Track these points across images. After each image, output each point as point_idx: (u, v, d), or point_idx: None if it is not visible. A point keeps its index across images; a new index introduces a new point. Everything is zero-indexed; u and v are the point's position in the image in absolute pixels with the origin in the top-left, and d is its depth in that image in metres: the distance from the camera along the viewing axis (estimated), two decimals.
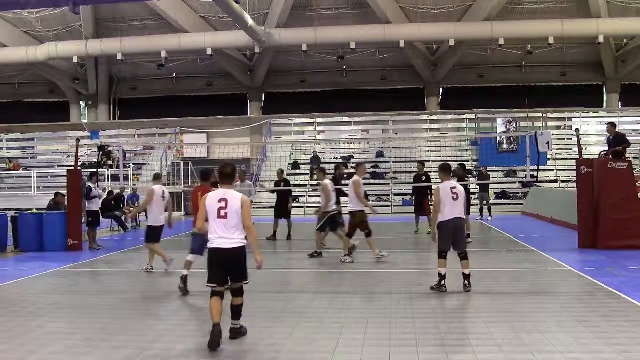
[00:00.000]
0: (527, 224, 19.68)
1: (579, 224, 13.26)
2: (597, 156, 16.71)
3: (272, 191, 17.14)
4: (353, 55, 29.28)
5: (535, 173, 14.95)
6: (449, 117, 31.78)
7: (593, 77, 31.61)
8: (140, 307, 8.33)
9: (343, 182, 14.52)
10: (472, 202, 16.43)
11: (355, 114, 31.32)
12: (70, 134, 32.55)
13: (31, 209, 17.36)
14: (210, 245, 6.20)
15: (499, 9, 27.29)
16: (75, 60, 29.19)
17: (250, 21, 24.40)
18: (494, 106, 30.36)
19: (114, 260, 12.83)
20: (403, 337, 6.39)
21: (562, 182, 26.26)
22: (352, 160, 29.68)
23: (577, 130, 15.82)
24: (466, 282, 8.57)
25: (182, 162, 28.14)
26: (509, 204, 25.53)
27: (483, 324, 6.89)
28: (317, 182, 13.70)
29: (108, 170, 25.08)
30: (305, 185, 27.95)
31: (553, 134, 21.26)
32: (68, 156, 31.02)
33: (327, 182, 12.91)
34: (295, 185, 27.92)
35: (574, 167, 15.18)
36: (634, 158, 22.66)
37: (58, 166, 30.16)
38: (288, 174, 28.49)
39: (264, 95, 33.85)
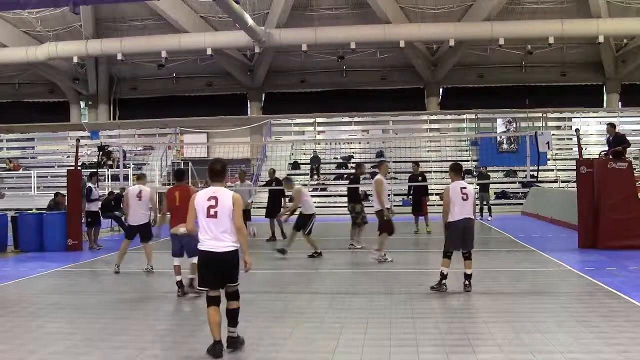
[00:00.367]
0: (527, 224, 19.68)
1: (579, 224, 13.27)
2: (597, 156, 16.72)
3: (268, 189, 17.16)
4: (353, 55, 29.28)
5: (535, 173, 14.95)
6: (449, 117, 31.79)
7: (593, 77, 31.61)
8: (140, 307, 8.33)
9: (363, 181, 14.49)
10: None
11: (355, 114, 31.32)
12: (70, 134, 32.55)
13: (31, 209, 17.36)
14: (200, 246, 5.88)
15: (499, 9, 27.28)
16: (75, 60, 29.19)
17: (250, 21, 24.40)
18: (494, 106, 30.37)
19: (114, 260, 12.80)
20: (403, 337, 6.39)
21: (562, 182, 26.26)
22: (352, 160, 29.73)
23: (577, 130, 15.83)
24: (466, 282, 8.56)
25: (182, 162, 28.13)
26: (509, 204, 25.53)
27: (483, 324, 6.90)
28: (288, 192, 13.77)
29: (108, 170, 25.07)
30: (305, 185, 27.91)
31: (553, 134, 21.25)
32: (68, 156, 31.02)
33: (299, 187, 13.01)
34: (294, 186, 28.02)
35: (574, 167, 15.18)
36: (634, 158, 22.67)
37: (58, 166, 30.16)
38: (288, 174, 28.61)
39: (264, 95, 33.85)
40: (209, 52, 27.96)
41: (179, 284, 8.76)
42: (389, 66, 31.96)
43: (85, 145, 29.84)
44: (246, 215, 15.50)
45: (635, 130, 29.15)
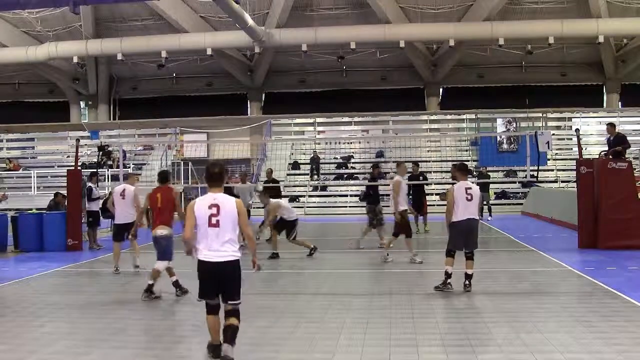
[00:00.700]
0: (527, 224, 19.68)
1: (579, 224, 13.27)
2: (597, 156, 16.72)
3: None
4: (353, 55, 29.29)
5: (535, 173, 14.94)
6: (449, 117, 31.78)
7: (593, 77, 31.61)
8: (140, 307, 8.32)
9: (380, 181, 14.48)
10: None
11: (355, 114, 31.32)
12: (70, 134, 32.55)
13: (31, 209, 17.35)
14: (199, 256, 5.51)
15: (499, 9, 27.28)
16: (75, 60, 29.20)
17: (250, 21, 24.40)
18: (494, 106, 30.37)
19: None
20: (403, 337, 6.39)
21: (562, 182, 26.27)
22: (352, 160, 29.75)
23: (577, 130, 15.83)
24: (467, 282, 8.56)
25: (182, 162, 28.14)
26: (509, 204, 25.54)
27: (483, 324, 6.90)
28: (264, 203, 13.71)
29: (108, 170, 25.06)
30: (305, 185, 27.97)
31: (553, 134, 21.27)
32: (68, 156, 31.02)
33: (276, 202, 12.93)
34: (295, 186, 28.10)
35: (574, 167, 15.19)
36: (634, 158, 22.66)
37: (58, 166, 30.15)
38: (288, 174, 28.65)
39: (264, 95, 33.86)
40: (209, 52, 27.98)
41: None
42: (389, 66, 31.96)
43: (85, 145, 29.84)
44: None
45: (635, 130, 29.17)
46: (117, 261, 10.96)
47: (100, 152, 25.38)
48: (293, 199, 26.29)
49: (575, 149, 22.44)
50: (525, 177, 20.68)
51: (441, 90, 32.73)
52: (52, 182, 28.08)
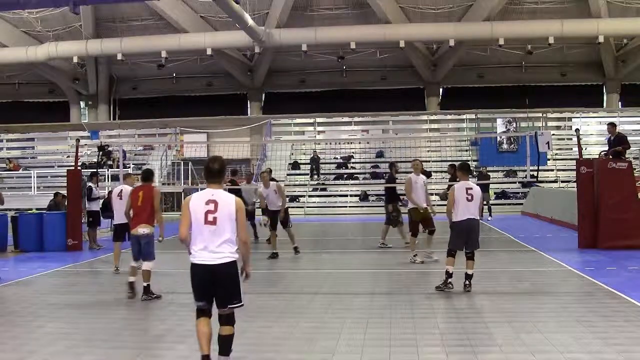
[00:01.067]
0: (527, 224, 19.68)
1: (579, 224, 13.27)
2: (597, 156, 16.72)
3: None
4: (353, 55, 29.31)
5: (535, 173, 14.94)
6: (449, 117, 31.80)
7: (593, 77, 31.63)
8: (140, 306, 8.32)
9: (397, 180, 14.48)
10: None
11: (355, 114, 31.34)
12: (70, 134, 32.57)
13: (31, 209, 17.36)
14: (192, 259, 5.12)
15: (499, 9, 27.30)
16: (75, 60, 29.22)
17: (250, 21, 24.41)
18: (494, 106, 30.39)
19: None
20: (403, 337, 6.38)
21: (562, 182, 26.27)
22: (352, 160, 29.76)
23: (577, 130, 15.83)
24: (467, 282, 8.55)
25: (182, 162, 28.15)
26: (509, 204, 25.54)
27: (483, 324, 6.89)
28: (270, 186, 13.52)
29: (108, 170, 25.09)
30: (305, 185, 27.97)
31: (553, 134, 21.27)
32: (68, 156, 31.03)
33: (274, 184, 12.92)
34: (294, 185, 28.09)
35: (574, 167, 15.18)
36: (634, 158, 22.67)
37: (58, 166, 30.17)
38: (288, 174, 28.65)
39: (264, 95, 33.88)
40: (209, 52, 28.00)
41: (131, 285, 8.65)
42: (389, 66, 31.97)
43: (85, 145, 29.86)
44: (251, 215, 15.59)
45: (635, 130, 29.19)
46: (117, 261, 10.96)
47: (100, 152, 25.43)
48: (293, 199, 26.29)
49: (575, 149, 22.44)
50: (525, 177, 20.69)
51: (441, 90, 32.74)
52: (52, 182, 28.10)
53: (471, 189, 8.71)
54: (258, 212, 15.81)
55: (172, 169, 28.87)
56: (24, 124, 33.39)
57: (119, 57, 28.29)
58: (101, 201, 15.25)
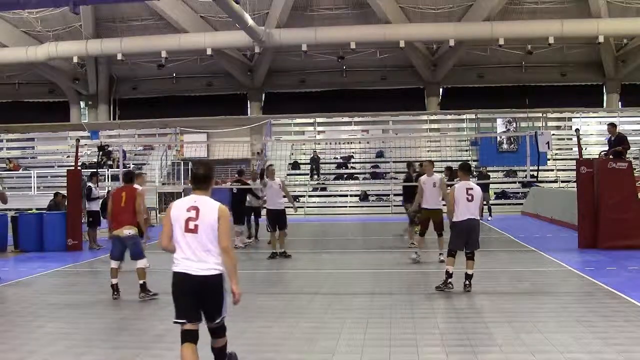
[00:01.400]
0: (527, 224, 19.69)
1: (579, 224, 13.27)
2: (597, 156, 16.72)
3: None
4: (353, 55, 29.29)
5: (535, 173, 14.95)
6: (449, 117, 31.80)
7: (593, 77, 31.61)
8: (140, 307, 8.32)
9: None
10: None
11: (355, 114, 31.33)
12: (70, 134, 32.55)
13: (31, 209, 17.36)
14: (174, 268, 4.79)
15: (499, 9, 27.29)
16: (75, 60, 29.20)
17: (250, 21, 24.40)
18: (494, 106, 30.38)
19: None
20: (403, 337, 6.39)
21: (562, 182, 26.27)
22: (352, 160, 29.76)
23: (577, 130, 15.83)
24: (467, 282, 8.56)
25: (182, 162, 28.15)
26: (509, 204, 25.54)
27: (483, 324, 6.90)
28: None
29: (108, 170, 25.09)
30: (305, 185, 27.97)
31: (553, 134, 21.27)
32: (68, 156, 31.01)
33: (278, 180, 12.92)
34: (295, 185, 28.08)
35: (574, 167, 15.18)
36: (634, 158, 22.67)
37: (58, 166, 30.15)
38: (288, 174, 28.63)
39: (264, 95, 33.86)
40: (209, 52, 27.98)
41: (115, 287, 8.67)
42: (389, 66, 31.96)
43: (85, 145, 29.84)
44: (257, 213, 15.68)
45: (635, 130, 29.18)
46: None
47: (100, 152, 25.42)
48: (293, 199, 26.25)
49: (575, 149, 22.44)
50: (525, 177, 20.69)
51: (441, 90, 32.73)
52: (52, 182, 28.08)
53: (472, 189, 8.71)
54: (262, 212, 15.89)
55: (172, 169, 28.85)
56: (24, 124, 33.36)
57: (119, 57, 28.27)
58: (101, 201, 15.25)
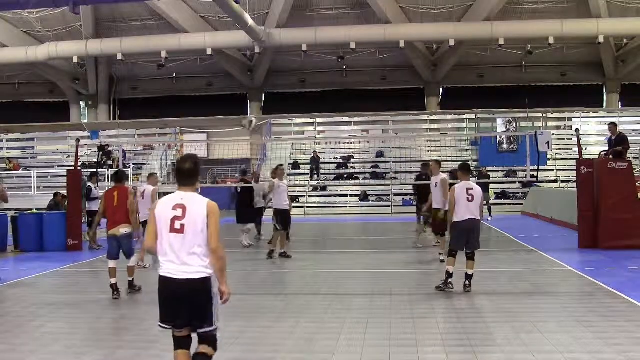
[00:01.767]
0: (527, 224, 19.68)
1: (579, 224, 13.27)
2: (597, 156, 16.72)
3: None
4: (353, 55, 29.28)
5: (535, 173, 14.94)
6: (449, 117, 31.81)
7: (593, 77, 31.62)
8: (140, 306, 8.32)
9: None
10: None
11: (355, 114, 31.35)
12: (70, 134, 32.57)
13: (31, 209, 17.35)
14: (160, 271, 4.41)
15: (499, 9, 27.28)
16: (75, 60, 29.21)
17: (250, 21, 24.40)
18: (494, 106, 30.38)
19: None
20: (403, 337, 6.39)
21: (562, 182, 26.27)
22: (352, 160, 29.76)
23: (577, 130, 15.83)
24: (467, 282, 8.55)
25: None
26: (509, 204, 25.54)
27: (483, 324, 6.90)
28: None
29: (108, 170, 25.07)
30: (305, 185, 27.97)
31: (553, 134, 21.27)
32: (68, 156, 31.02)
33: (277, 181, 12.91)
34: (294, 185, 28.07)
35: (574, 167, 15.18)
36: (634, 158, 22.66)
37: (58, 166, 30.16)
38: (288, 174, 28.60)
39: (264, 95, 33.87)
40: (209, 52, 27.99)
41: (114, 287, 8.72)
42: (389, 66, 31.97)
43: (85, 145, 29.82)
44: (260, 213, 15.73)
45: (635, 130, 29.18)
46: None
47: (100, 152, 25.36)
48: (293, 199, 26.27)
49: (575, 149, 22.44)
50: (525, 177, 20.69)
51: (441, 90, 32.74)
52: (52, 182, 28.10)
53: (472, 189, 8.71)
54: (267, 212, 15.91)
55: (172, 169, 28.85)
56: (24, 124, 33.40)
57: (119, 57, 28.29)
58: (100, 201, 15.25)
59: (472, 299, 8.24)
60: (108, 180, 23.82)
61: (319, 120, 31.60)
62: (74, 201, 14.56)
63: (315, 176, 28.21)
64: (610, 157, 13.74)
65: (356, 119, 31.48)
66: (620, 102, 31.64)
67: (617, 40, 29.72)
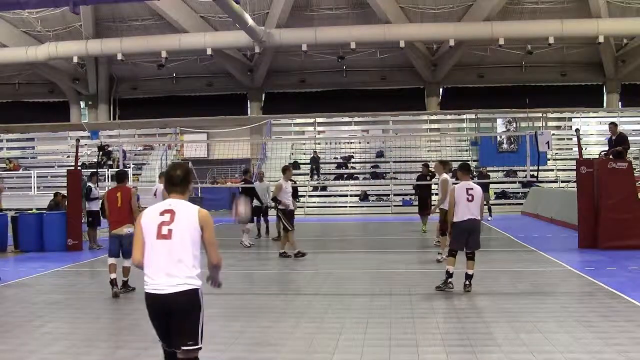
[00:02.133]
0: (527, 224, 19.68)
1: (579, 224, 13.27)
2: (597, 156, 16.71)
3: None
4: (353, 55, 29.29)
5: (535, 173, 14.95)
6: (449, 117, 31.81)
7: (593, 77, 31.63)
8: (140, 306, 8.29)
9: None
10: None
11: (355, 114, 31.35)
12: (70, 134, 32.57)
13: (31, 209, 17.35)
14: (145, 287, 4.12)
15: (499, 9, 27.30)
16: (75, 60, 29.22)
17: (250, 21, 24.41)
18: (494, 106, 30.39)
19: None
20: (403, 337, 6.38)
21: (562, 182, 26.27)
22: (352, 160, 29.75)
23: (577, 130, 15.82)
24: (467, 282, 8.55)
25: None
26: (509, 204, 25.55)
27: (483, 324, 6.89)
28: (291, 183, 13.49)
29: (108, 170, 25.08)
30: (305, 185, 27.96)
31: (553, 134, 21.25)
32: (68, 156, 31.03)
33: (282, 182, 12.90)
34: (294, 186, 28.05)
35: (574, 167, 15.18)
36: (634, 158, 22.66)
37: (58, 166, 30.17)
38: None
39: (264, 95, 33.88)
40: (209, 52, 28.00)
41: (113, 282, 8.79)
42: (389, 66, 31.97)
43: (85, 145, 29.84)
44: (265, 212, 15.81)
45: (636, 130, 29.17)
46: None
47: (100, 152, 25.35)
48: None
49: (575, 149, 22.44)
50: (525, 177, 20.69)
51: (441, 90, 32.75)
52: (52, 182, 28.11)
53: (472, 189, 8.70)
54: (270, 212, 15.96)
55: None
56: (24, 124, 33.40)
57: (119, 57, 28.30)
58: (100, 201, 15.24)
59: (472, 299, 8.24)
60: (108, 180, 23.85)
61: (319, 120, 31.60)
62: (74, 201, 14.56)
63: (315, 176, 28.21)
64: (610, 157, 13.75)
65: (356, 118, 31.48)
66: (620, 102, 31.65)
67: (617, 40, 29.72)
